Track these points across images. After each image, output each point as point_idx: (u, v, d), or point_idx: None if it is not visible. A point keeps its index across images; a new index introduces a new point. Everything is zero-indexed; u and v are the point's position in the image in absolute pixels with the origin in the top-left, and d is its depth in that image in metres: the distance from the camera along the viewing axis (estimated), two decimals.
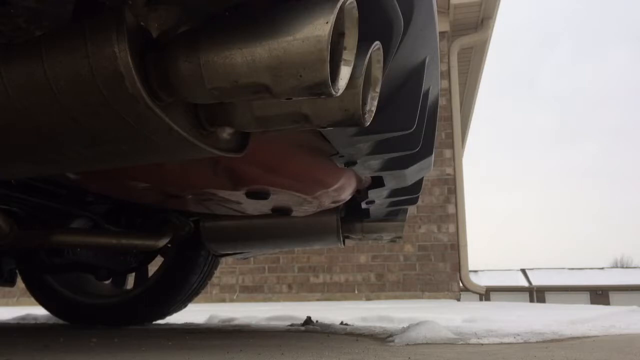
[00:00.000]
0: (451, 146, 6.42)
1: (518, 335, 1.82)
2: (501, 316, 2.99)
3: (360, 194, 1.65)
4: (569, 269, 27.40)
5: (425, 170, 1.49)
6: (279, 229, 1.94)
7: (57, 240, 1.64)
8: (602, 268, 28.07)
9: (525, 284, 25.72)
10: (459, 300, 6.06)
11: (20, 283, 2.51)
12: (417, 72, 1.08)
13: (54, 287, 2.46)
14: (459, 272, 6.18)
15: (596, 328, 2.17)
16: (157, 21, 0.72)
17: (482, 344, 1.58)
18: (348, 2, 0.66)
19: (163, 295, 2.36)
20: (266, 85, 0.67)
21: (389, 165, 1.35)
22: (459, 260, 6.18)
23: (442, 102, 6.02)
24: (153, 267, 2.36)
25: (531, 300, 22.73)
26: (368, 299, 6.23)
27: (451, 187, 6.33)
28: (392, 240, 2.17)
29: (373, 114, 0.86)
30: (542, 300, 23.24)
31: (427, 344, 1.59)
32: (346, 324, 2.44)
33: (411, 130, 1.08)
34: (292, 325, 2.45)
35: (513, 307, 4.45)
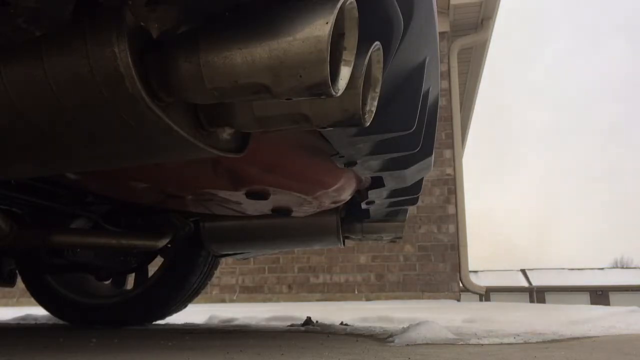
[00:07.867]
0: (451, 146, 6.42)
1: (518, 335, 1.82)
2: (501, 316, 2.98)
3: (360, 194, 1.65)
4: (569, 269, 27.35)
5: (425, 170, 1.49)
6: (279, 229, 1.94)
7: (57, 240, 1.64)
8: (602, 268, 28.01)
9: (525, 284, 25.68)
10: (459, 300, 6.05)
11: (20, 283, 2.51)
12: (417, 72, 1.08)
13: (54, 287, 2.46)
14: (459, 273, 6.17)
15: (596, 328, 2.17)
16: (157, 21, 0.72)
17: (482, 345, 1.58)
18: (348, 2, 0.66)
19: (163, 295, 2.36)
20: (266, 85, 0.67)
21: (389, 166, 1.35)
22: (459, 261, 6.18)
23: (442, 102, 6.01)
24: (153, 267, 2.36)
25: (531, 301, 22.71)
26: (368, 299, 6.23)
27: (451, 187, 6.32)
28: (392, 241, 2.17)
29: (373, 114, 0.86)
30: (542, 300, 23.20)
31: (427, 344, 1.59)
32: (346, 325, 2.44)
33: (411, 130, 1.08)
34: (292, 325, 2.45)
35: (513, 308, 4.44)
